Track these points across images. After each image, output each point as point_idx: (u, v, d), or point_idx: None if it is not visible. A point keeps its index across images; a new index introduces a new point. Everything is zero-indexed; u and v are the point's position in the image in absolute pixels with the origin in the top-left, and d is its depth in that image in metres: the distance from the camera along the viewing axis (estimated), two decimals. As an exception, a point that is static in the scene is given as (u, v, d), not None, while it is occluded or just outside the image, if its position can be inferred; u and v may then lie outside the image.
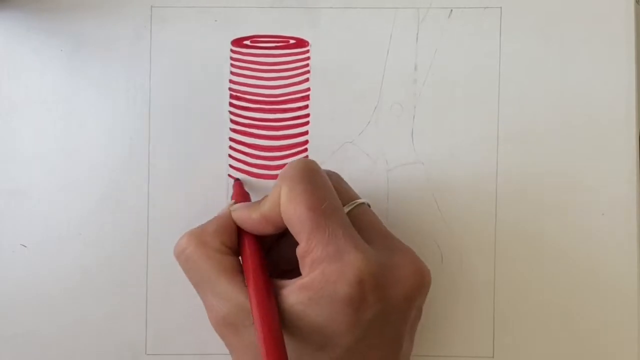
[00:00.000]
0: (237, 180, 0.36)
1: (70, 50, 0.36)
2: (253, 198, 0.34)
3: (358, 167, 0.36)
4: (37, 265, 0.36)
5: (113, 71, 0.36)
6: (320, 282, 0.26)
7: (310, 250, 0.26)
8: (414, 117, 0.36)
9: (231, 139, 0.36)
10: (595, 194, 0.35)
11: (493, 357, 0.35)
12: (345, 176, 0.36)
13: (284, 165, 0.36)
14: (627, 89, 0.36)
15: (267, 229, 0.29)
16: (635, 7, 0.36)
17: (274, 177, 0.36)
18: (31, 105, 0.36)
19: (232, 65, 0.36)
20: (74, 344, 0.35)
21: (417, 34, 0.36)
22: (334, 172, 0.32)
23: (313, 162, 0.29)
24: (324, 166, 0.36)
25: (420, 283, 0.28)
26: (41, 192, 0.36)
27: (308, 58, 0.36)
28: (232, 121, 0.36)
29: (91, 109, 0.36)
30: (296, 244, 0.28)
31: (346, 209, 0.29)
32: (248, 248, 0.29)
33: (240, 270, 0.29)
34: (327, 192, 0.28)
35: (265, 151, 0.36)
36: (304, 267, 0.27)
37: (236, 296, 0.28)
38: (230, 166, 0.36)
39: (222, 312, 0.28)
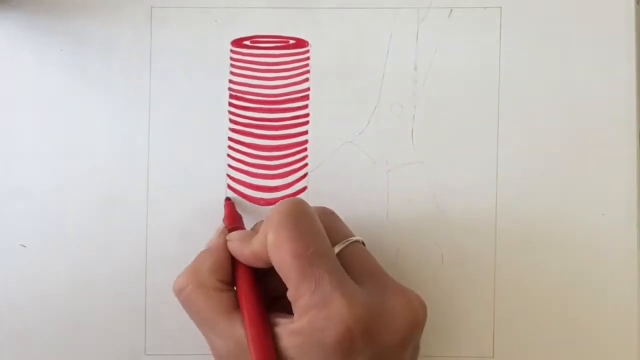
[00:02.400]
0: (228, 199, 0.36)
1: (70, 50, 0.36)
2: (245, 220, 0.34)
3: (358, 167, 0.36)
4: (37, 265, 0.36)
5: (113, 71, 0.36)
6: (308, 330, 0.26)
7: (299, 297, 0.26)
8: (414, 117, 0.36)
9: (230, 139, 0.36)
10: (596, 194, 0.35)
11: (493, 357, 0.35)
12: (345, 176, 0.36)
13: (283, 165, 0.36)
14: (627, 88, 0.36)
15: (259, 265, 0.29)
16: (635, 7, 0.36)
17: (273, 177, 0.36)
18: (31, 105, 0.36)
19: (232, 65, 0.36)
20: (74, 344, 0.35)
21: (417, 34, 0.36)
22: (327, 210, 0.32)
23: (300, 204, 0.29)
24: (324, 166, 0.36)
25: (414, 323, 0.28)
26: (41, 192, 0.36)
27: (308, 58, 0.36)
28: (231, 121, 0.36)
29: (91, 108, 0.36)
30: None
31: (338, 248, 0.29)
32: (242, 282, 0.30)
33: (237, 306, 0.29)
34: (312, 237, 0.28)
35: (264, 151, 0.36)
36: (295, 312, 0.27)
37: (234, 335, 0.28)
38: (229, 166, 0.36)
39: (222, 351, 0.28)
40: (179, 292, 0.30)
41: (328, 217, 0.31)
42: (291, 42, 0.36)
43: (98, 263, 0.36)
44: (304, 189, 0.36)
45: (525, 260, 0.35)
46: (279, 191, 0.36)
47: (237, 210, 0.35)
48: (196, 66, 0.36)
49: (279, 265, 0.27)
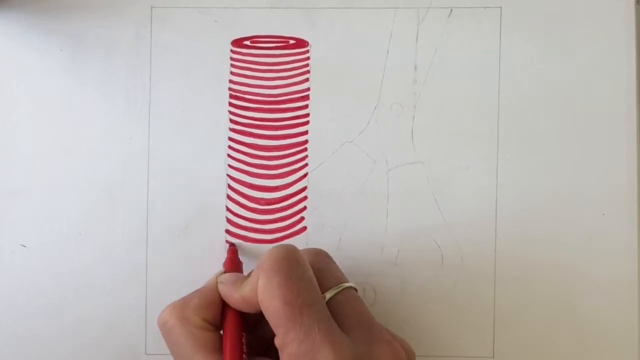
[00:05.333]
0: (232, 245, 0.35)
1: (70, 50, 0.36)
2: (246, 264, 0.34)
3: (358, 167, 0.36)
4: (37, 265, 0.36)
5: (113, 71, 0.36)
6: None
7: (286, 345, 0.26)
8: (414, 117, 0.36)
9: (230, 139, 0.36)
10: (596, 194, 0.35)
11: (493, 357, 0.35)
12: (345, 176, 0.36)
13: (283, 165, 0.36)
14: (627, 88, 0.36)
15: (249, 310, 0.29)
16: (635, 7, 0.36)
17: (273, 176, 0.36)
18: (31, 105, 0.36)
19: (232, 65, 0.36)
20: (74, 344, 0.35)
21: (417, 33, 0.36)
22: (322, 252, 0.32)
23: (292, 251, 0.29)
24: (324, 166, 0.36)
25: None
26: (41, 192, 0.36)
27: (308, 58, 0.36)
28: (231, 121, 0.36)
29: (91, 109, 0.36)
30: None
31: (329, 294, 0.29)
32: (229, 326, 0.30)
33: (220, 348, 0.29)
34: (304, 284, 0.27)
35: (264, 151, 0.36)
36: (282, 359, 0.27)
37: None
38: (230, 166, 0.36)
39: None
40: (162, 325, 0.30)
41: (322, 260, 0.31)
42: (291, 42, 0.36)
43: (98, 263, 0.36)
44: (304, 188, 0.36)
45: (525, 260, 0.35)
46: (279, 191, 0.36)
47: (240, 256, 0.35)
48: (196, 66, 0.36)
49: (268, 311, 0.27)
